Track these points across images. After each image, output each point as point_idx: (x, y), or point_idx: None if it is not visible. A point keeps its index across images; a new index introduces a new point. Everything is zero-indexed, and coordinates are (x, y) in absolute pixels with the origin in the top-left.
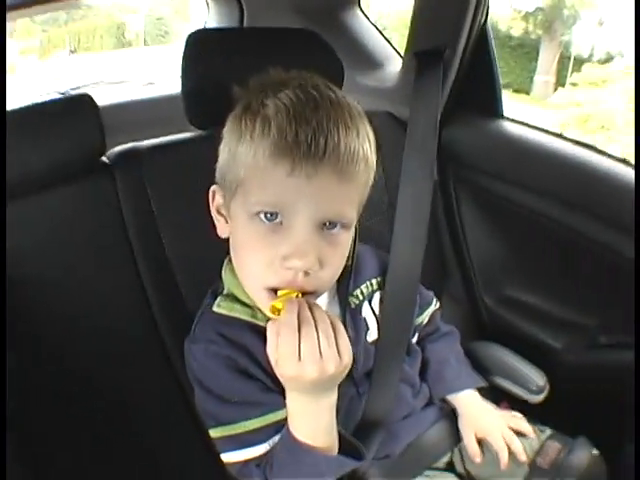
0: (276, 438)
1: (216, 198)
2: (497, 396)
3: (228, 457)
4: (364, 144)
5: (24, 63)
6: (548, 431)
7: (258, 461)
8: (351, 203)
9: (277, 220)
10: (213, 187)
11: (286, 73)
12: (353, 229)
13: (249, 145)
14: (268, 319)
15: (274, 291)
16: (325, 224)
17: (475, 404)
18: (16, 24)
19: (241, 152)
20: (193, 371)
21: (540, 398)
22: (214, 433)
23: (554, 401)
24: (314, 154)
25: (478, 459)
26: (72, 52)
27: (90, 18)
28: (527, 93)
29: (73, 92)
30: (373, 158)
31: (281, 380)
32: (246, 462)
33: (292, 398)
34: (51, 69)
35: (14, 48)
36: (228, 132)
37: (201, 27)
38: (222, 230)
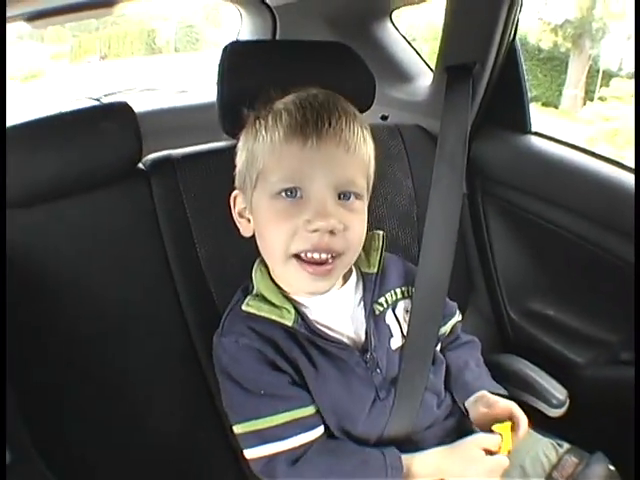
0: (303, 436)
1: (237, 202)
2: None
3: (252, 453)
4: (361, 125)
5: (55, 67)
6: (566, 445)
7: (282, 457)
8: (359, 173)
9: (297, 195)
10: (234, 193)
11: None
12: (366, 202)
13: (264, 136)
14: (295, 318)
15: (296, 257)
16: (340, 195)
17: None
18: (47, 29)
19: (258, 146)
20: (222, 364)
21: (560, 412)
22: (238, 429)
23: (574, 415)
24: (320, 127)
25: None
26: (103, 58)
27: (121, 25)
28: (556, 107)
29: (106, 98)
30: (370, 141)
31: None
32: (271, 458)
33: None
34: (82, 74)
35: (45, 53)
36: (244, 138)
37: (233, 36)
38: (245, 230)
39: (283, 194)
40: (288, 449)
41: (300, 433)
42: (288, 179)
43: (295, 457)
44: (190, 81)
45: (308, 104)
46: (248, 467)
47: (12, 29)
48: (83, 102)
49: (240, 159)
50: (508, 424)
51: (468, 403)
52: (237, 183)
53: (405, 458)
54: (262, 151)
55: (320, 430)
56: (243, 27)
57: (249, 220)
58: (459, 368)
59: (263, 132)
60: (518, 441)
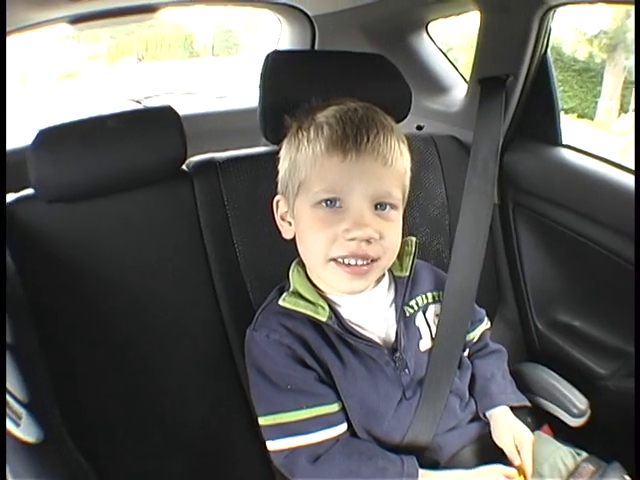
0: (325, 432)
1: (280, 206)
2: (539, 416)
3: (274, 445)
4: (398, 138)
5: (92, 68)
6: (584, 454)
7: (303, 451)
8: (395, 185)
9: (337, 205)
10: (277, 197)
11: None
12: (401, 212)
13: (307, 147)
14: (329, 315)
15: (334, 260)
16: (377, 206)
17: (509, 415)
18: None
19: (301, 156)
20: (253, 357)
21: (581, 422)
22: (264, 421)
23: (595, 426)
24: (359, 142)
25: (517, 462)
26: (140, 60)
27: (158, 28)
28: (591, 118)
29: (146, 101)
30: (407, 153)
31: None
32: (291, 451)
33: None
34: (119, 75)
35: (82, 53)
36: (286, 146)
37: (271, 41)
38: (286, 232)
39: (323, 204)
40: (309, 444)
41: (322, 429)
42: (329, 190)
43: (316, 453)
44: (229, 86)
45: (348, 119)
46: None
47: (51, 30)
48: (125, 104)
49: (283, 167)
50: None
51: (490, 414)
52: (280, 189)
53: (424, 472)
54: (304, 162)
55: (342, 428)
56: (282, 35)
57: (290, 224)
58: (485, 378)
59: (305, 143)
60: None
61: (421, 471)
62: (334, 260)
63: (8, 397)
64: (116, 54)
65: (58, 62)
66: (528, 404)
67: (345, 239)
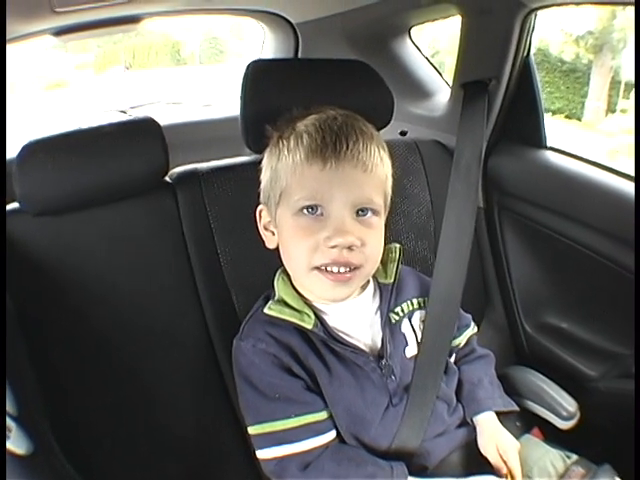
0: (314, 440)
1: (262, 216)
2: (528, 420)
3: (264, 454)
4: (378, 145)
5: (80, 78)
6: (574, 457)
7: (293, 459)
8: (376, 191)
9: (318, 212)
10: (259, 207)
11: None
12: (383, 217)
13: (287, 157)
14: (315, 322)
15: (317, 268)
16: (358, 212)
17: (494, 422)
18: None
19: (281, 165)
20: (240, 367)
21: (570, 424)
22: (253, 430)
23: (584, 428)
24: (339, 150)
25: (504, 471)
26: (127, 68)
27: (145, 36)
28: (579, 119)
29: (132, 111)
30: (387, 160)
31: None
32: (281, 459)
33: None
34: (107, 84)
35: (70, 63)
36: (268, 156)
37: (257, 48)
38: (270, 242)
39: (305, 211)
40: (298, 452)
41: (311, 437)
42: (309, 198)
43: (305, 461)
44: (214, 94)
45: (327, 127)
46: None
47: (38, 41)
48: (110, 114)
49: (265, 176)
50: None
51: (476, 420)
52: (262, 198)
53: (412, 479)
54: (285, 171)
55: (331, 435)
56: (266, 43)
57: (273, 233)
58: (472, 383)
59: (286, 152)
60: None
61: (410, 478)
62: (317, 268)
63: None
64: (104, 63)
65: (45, 71)
66: (516, 409)
67: (327, 247)
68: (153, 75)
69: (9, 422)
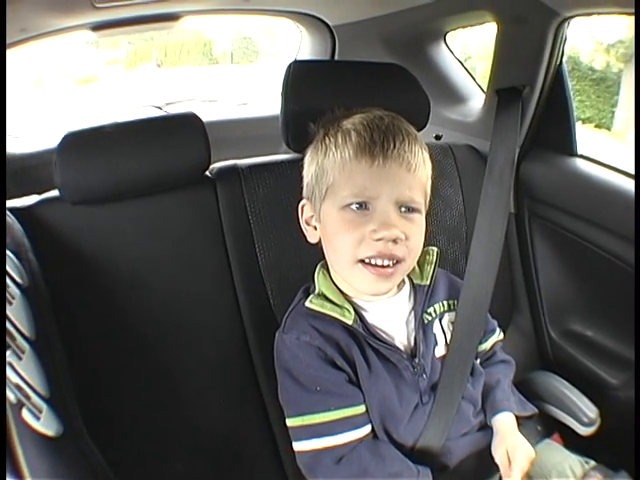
0: (351, 433)
1: (305, 211)
2: (549, 424)
3: (301, 446)
4: (421, 146)
5: (110, 74)
6: (592, 463)
7: (328, 452)
8: (418, 191)
9: (364, 208)
10: (302, 202)
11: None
12: (424, 215)
13: (334, 153)
14: (354, 318)
15: (362, 262)
16: (401, 208)
17: (509, 424)
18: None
19: (328, 162)
20: (283, 360)
21: (590, 430)
22: (292, 422)
23: (603, 435)
24: (386, 148)
25: (507, 476)
26: (158, 66)
27: (177, 34)
28: (608, 128)
29: (168, 107)
30: (429, 162)
31: None
32: (316, 452)
33: None
34: (138, 81)
35: (100, 58)
36: (313, 152)
37: (290, 49)
38: (312, 236)
39: (352, 206)
40: (334, 445)
41: (348, 430)
42: (357, 194)
43: (339, 454)
44: (249, 93)
45: (375, 126)
46: (290, 466)
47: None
48: (146, 110)
49: (309, 172)
50: None
51: (494, 421)
52: (305, 194)
53: None
54: (332, 167)
55: (367, 429)
56: (303, 44)
57: (315, 228)
58: (491, 385)
59: (333, 149)
60: None
61: None
62: (361, 261)
63: (29, 391)
64: (135, 60)
65: (76, 67)
66: (534, 411)
67: (372, 239)
68: (185, 73)
69: (41, 403)
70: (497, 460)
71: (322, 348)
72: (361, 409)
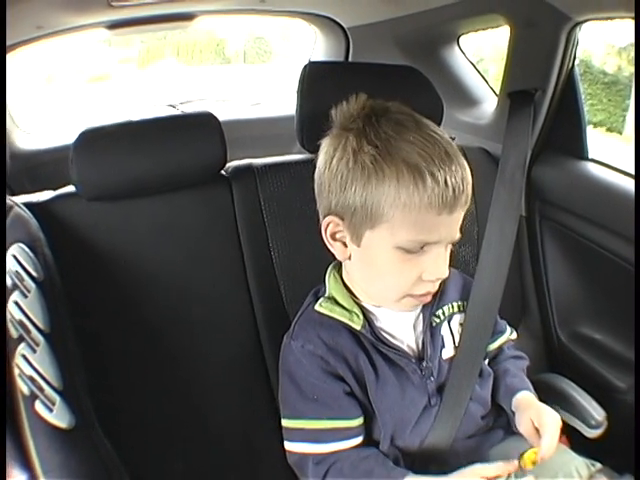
0: (340, 443)
1: (330, 227)
2: None
3: (291, 446)
4: (470, 173)
5: (123, 71)
6: (598, 465)
7: (315, 457)
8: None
9: (420, 248)
10: (327, 219)
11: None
12: None
13: (397, 190)
14: (363, 323)
15: (410, 295)
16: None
17: (531, 399)
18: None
19: (384, 196)
20: (287, 364)
21: (597, 433)
22: (285, 422)
23: (610, 438)
24: (452, 196)
25: (535, 443)
26: (171, 64)
27: (190, 33)
28: (620, 132)
29: (182, 106)
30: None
31: None
32: (304, 455)
33: None
34: (150, 79)
35: (113, 56)
36: (352, 173)
37: (303, 49)
38: (341, 254)
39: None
40: (320, 452)
41: (337, 441)
42: (420, 241)
43: (327, 461)
44: (262, 93)
45: (440, 163)
46: None
47: (86, 35)
48: (161, 108)
49: (348, 192)
50: (534, 451)
51: (515, 407)
52: (334, 209)
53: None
54: (391, 203)
55: (357, 440)
56: (317, 45)
57: (345, 245)
58: (499, 375)
59: (389, 183)
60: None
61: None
62: (410, 295)
63: (43, 383)
64: (147, 58)
65: (88, 64)
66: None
67: (426, 280)
68: (198, 72)
69: (54, 395)
70: (522, 431)
71: (325, 358)
72: (354, 422)
